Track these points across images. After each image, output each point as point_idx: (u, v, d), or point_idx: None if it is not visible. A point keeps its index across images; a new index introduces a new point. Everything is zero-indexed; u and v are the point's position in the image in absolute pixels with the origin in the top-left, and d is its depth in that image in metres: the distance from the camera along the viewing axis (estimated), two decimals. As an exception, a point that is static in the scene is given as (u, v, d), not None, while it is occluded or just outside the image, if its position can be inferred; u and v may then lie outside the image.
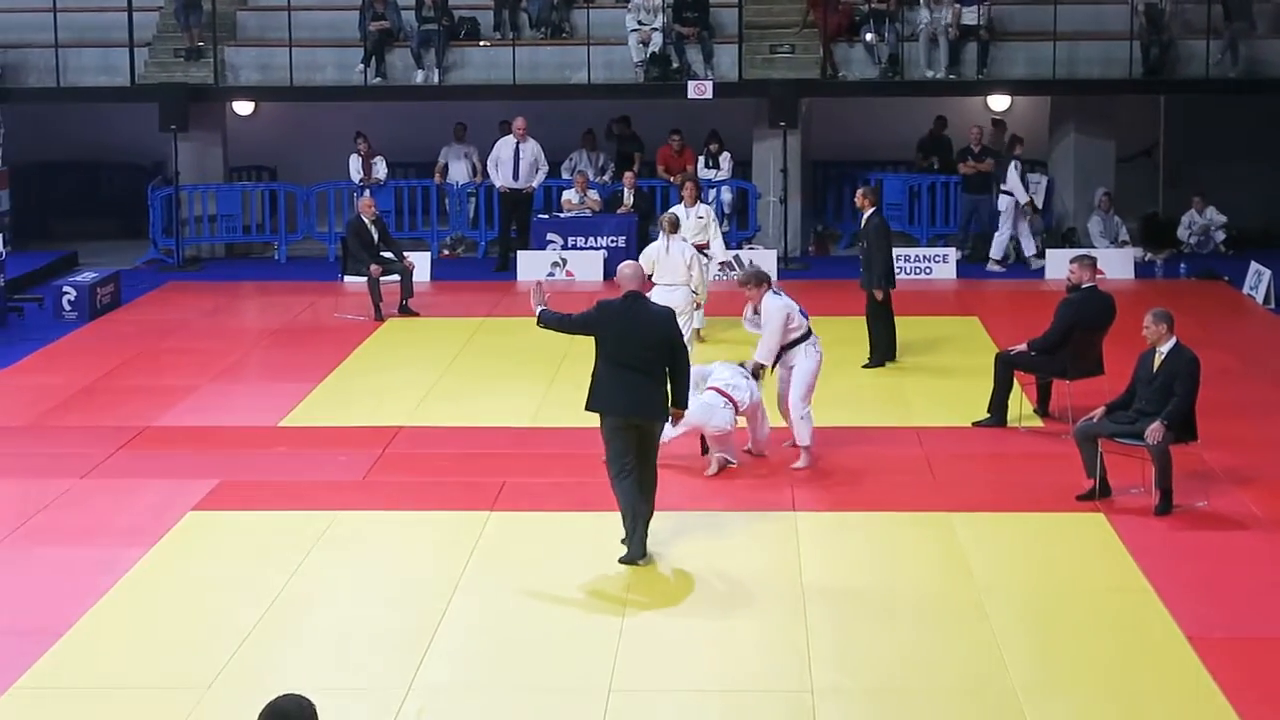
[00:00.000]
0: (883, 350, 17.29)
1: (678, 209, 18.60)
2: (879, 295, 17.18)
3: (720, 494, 12.97)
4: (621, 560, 11.31)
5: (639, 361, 11.26)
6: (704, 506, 12.65)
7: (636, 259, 17.69)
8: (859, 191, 17.76)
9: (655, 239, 17.47)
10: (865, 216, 17.41)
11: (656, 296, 16.36)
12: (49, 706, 9.37)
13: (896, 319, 17.43)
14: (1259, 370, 17.23)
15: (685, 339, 16.96)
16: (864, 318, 17.41)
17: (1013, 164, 23.42)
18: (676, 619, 10.55)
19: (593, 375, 11.40)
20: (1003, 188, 23.53)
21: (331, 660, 9.96)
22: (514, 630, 10.37)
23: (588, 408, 11.41)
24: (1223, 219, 24.34)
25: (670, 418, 11.52)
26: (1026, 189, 23.36)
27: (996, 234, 23.60)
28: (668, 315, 11.64)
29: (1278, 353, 18.29)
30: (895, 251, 22.70)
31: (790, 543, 11.87)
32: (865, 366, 17.19)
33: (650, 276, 16.25)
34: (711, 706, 9.29)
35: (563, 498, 12.72)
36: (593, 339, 11.50)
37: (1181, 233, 24.62)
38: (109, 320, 20.39)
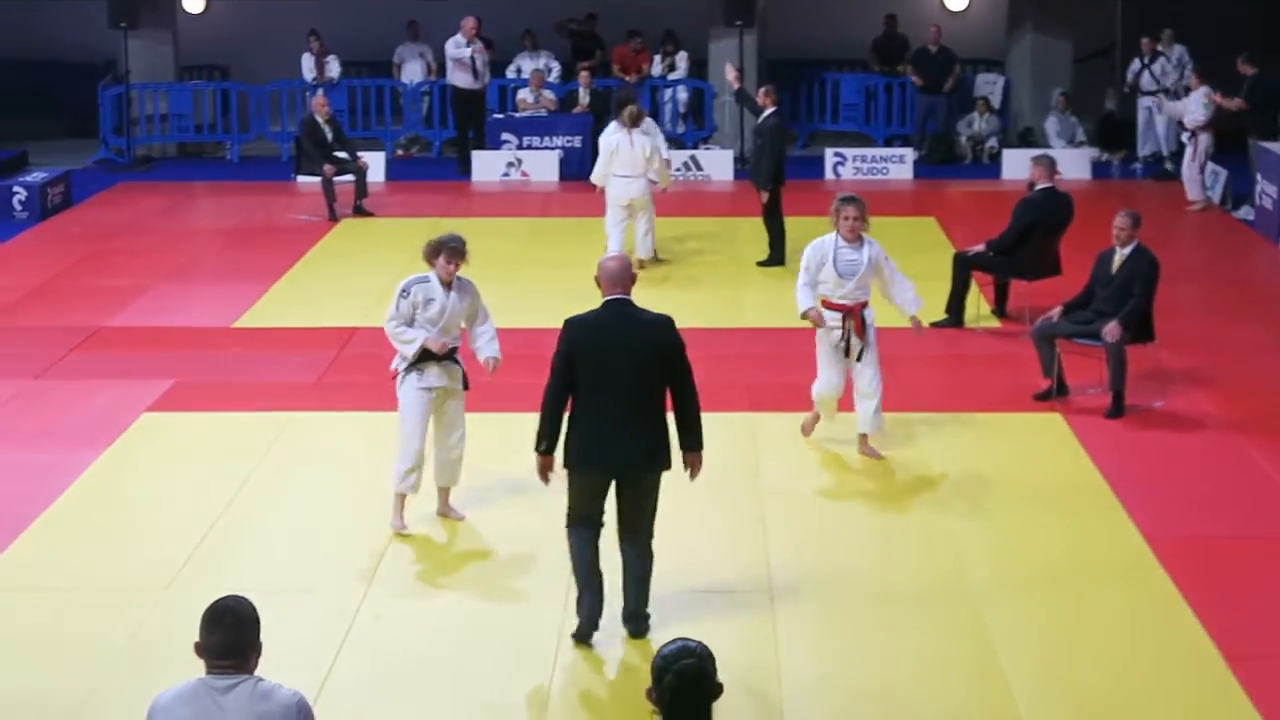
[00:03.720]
0: (779, 250, 17.23)
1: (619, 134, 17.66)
2: (764, 196, 17.16)
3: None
4: (574, 636, 8.88)
5: (626, 391, 8.60)
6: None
7: (593, 159, 17.66)
8: (761, 90, 17.69)
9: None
10: (764, 114, 17.34)
11: (614, 187, 16.51)
12: (4, 608, 9.33)
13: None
14: (1214, 271, 17.26)
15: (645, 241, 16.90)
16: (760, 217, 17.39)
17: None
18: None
19: (569, 417, 8.75)
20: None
21: (289, 561, 9.94)
22: (473, 533, 10.35)
23: (564, 464, 8.79)
24: (1190, 63, 22.65)
25: (688, 466, 8.86)
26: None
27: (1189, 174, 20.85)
28: (664, 324, 8.75)
29: (1232, 254, 18.31)
30: (853, 151, 22.87)
31: (748, 444, 11.85)
32: (760, 264, 17.19)
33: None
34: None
35: (518, 399, 12.58)
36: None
37: (1142, 73, 22.90)
38: (60, 220, 20.17)
